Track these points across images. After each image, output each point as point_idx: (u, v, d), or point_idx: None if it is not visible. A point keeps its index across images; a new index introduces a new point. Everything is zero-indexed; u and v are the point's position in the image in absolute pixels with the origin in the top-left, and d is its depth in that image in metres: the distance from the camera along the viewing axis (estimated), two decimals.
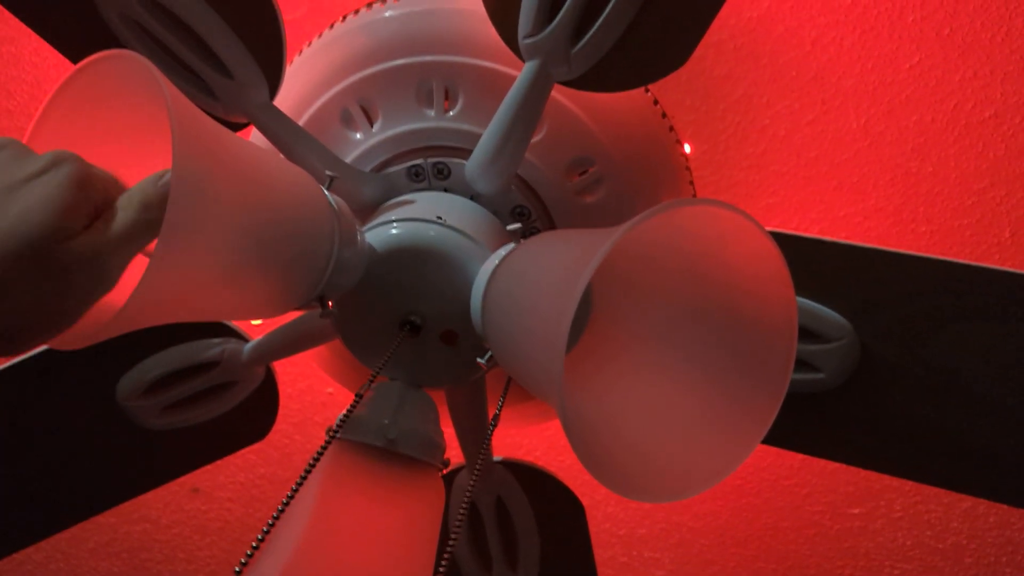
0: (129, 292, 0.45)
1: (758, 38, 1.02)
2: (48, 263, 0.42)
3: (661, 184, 0.80)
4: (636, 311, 0.56)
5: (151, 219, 0.46)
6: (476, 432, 0.83)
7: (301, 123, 0.79)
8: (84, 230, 0.44)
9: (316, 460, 0.53)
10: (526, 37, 0.67)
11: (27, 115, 1.26)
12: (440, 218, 0.70)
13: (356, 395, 0.61)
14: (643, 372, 0.55)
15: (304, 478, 0.52)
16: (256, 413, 0.89)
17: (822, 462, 1.31)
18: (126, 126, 0.55)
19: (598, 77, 0.68)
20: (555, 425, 1.33)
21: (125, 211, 0.46)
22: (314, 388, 1.41)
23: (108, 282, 0.46)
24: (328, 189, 0.65)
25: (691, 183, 0.85)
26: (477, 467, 0.60)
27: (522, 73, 0.69)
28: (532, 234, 0.79)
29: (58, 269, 0.42)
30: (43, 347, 0.84)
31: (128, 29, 0.70)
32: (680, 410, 0.53)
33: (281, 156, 0.69)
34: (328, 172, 0.68)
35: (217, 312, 0.58)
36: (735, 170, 1.06)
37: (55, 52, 0.72)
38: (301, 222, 0.60)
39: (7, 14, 0.72)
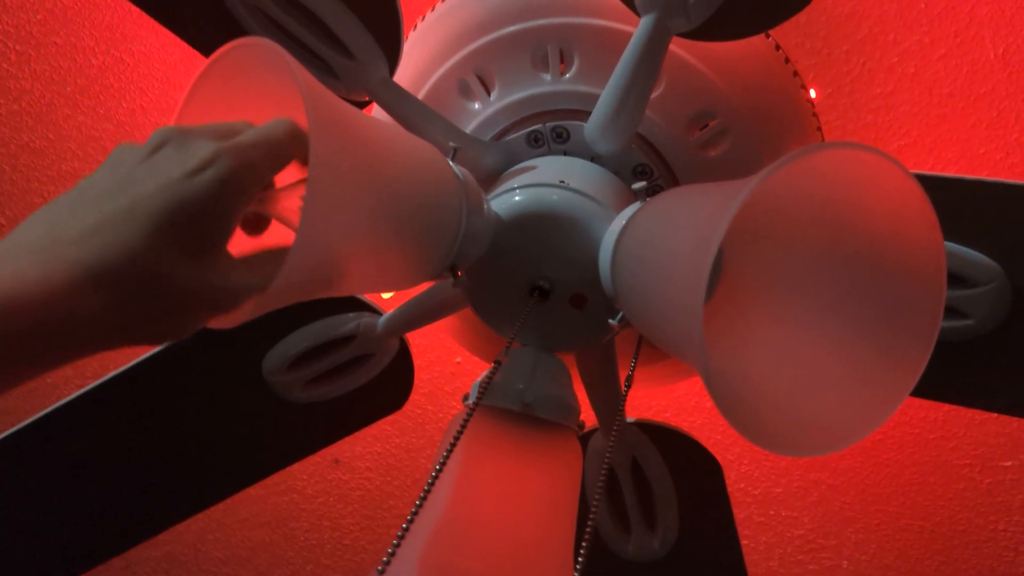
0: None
1: None
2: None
3: (787, 132, 0.77)
4: (770, 262, 0.54)
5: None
6: (608, 394, 0.83)
7: (420, 97, 0.80)
8: None
9: (462, 430, 0.55)
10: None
11: (160, 111, 1.32)
12: (563, 182, 0.70)
13: (495, 361, 0.62)
14: (782, 325, 0.54)
15: (452, 447, 0.53)
16: (392, 384, 0.92)
17: (968, 414, 1.25)
18: (261, 111, 0.57)
19: (717, 26, 0.66)
20: (683, 386, 1.32)
21: None
22: (442, 359, 1.44)
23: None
24: (452, 160, 0.66)
25: (819, 129, 0.82)
26: (614, 429, 0.60)
27: (639, 28, 0.68)
28: (656, 192, 0.78)
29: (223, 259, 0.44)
30: None
31: (251, 16, 0.73)
32: (823, 362, 0.52)
33: (405, 131, 0.70)
34: (452, 144, 0.69)
35: (356, 287, 0.60)
36: (863, 112, 1.02)
37: (183, 48, 0.75)
38: (431, 194, 0.61)
39: (135, 14, 0.75)
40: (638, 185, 0.64)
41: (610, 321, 0.64)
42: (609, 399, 0.83)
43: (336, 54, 0.73)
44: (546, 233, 0.69)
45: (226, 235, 0.45)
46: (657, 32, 0.67)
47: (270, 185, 0.53)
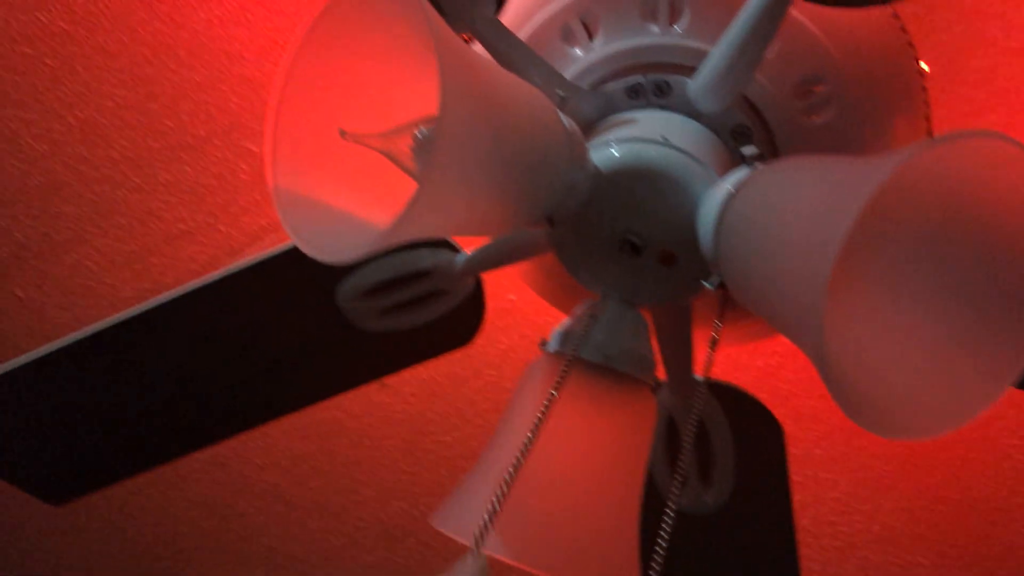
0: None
1: None
2: None
3: (896, 106, 0.76)
4: (888, 244, 0.54)
5: None
6: (680, 350, 0.84)
7: (521, 38, 0.79)
8: None
9: (561, 381, 0.56)
10: None
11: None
12: (664, 138, 0.70)
13: (589, 316, 0.63)
14: (895, 305, 0.53)
15: (548, 404, 0.54)
16: (463, 321, 0.93)
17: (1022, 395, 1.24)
18: (382, 50, 0.56)
19: None
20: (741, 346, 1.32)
21: None
22: (496, 294, 1.45)
23: None
24: (559, 109, 0.65)
25: (926, 103, 0.80)
26: (700, 399, 0.61)
27: None
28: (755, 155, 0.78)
29: None
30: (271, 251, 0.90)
31: None
32: (935, 346, 0.52)
33: (518, 77, 0.70)
34: (558, 91, 0.68)
35: (461, 230, 0.61)
36: (962, 87, 0.99)
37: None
38: (540, 144, 0.60)
39: None
40: (748, 150, 0.64)
41: (704, 283, 0.64)
42: (681, 355, 0.84)
43: None
44: (643, 188, 0.69)
45: None
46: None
47: None
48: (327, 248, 0.55)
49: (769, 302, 0.55)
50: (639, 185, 0.69)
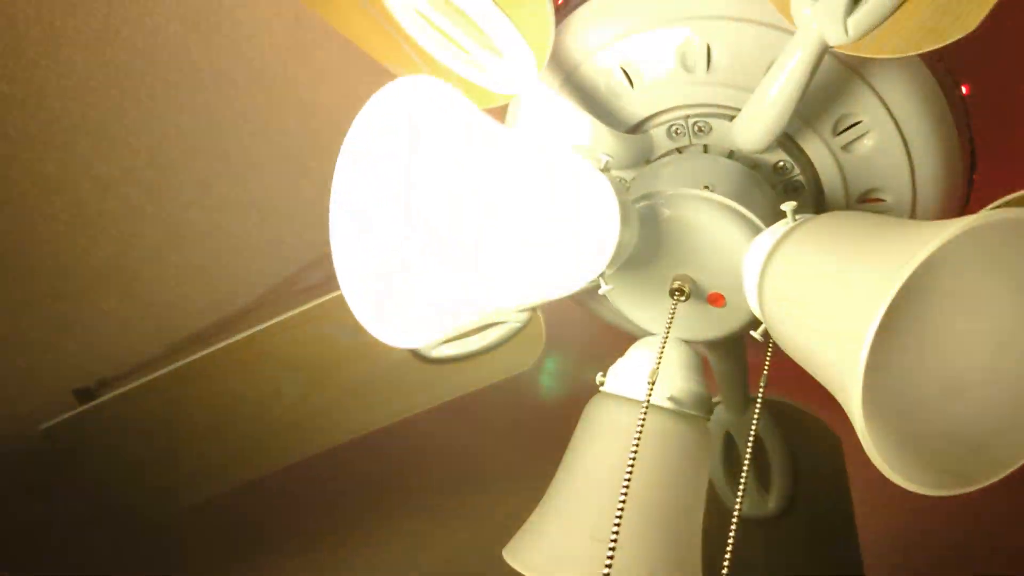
0: None
1: None
2: None
3: (934, 133, 0.77)
4: (931, 288, 0.56)
5: None
6: (734, 372, 0.87)
7: (563, 83, 0.81)
8: None
9: (640, 432, 0.60)
10: (802, 3, 0.66)
11: (316, 104, 1.36)
12: (707, 187, 0.72)
13: (653, 362, 0.66)
14: (939, 351, 0.56)
15: (634, 459, 0.59)
16: (521, 349, 0.97)
17: None
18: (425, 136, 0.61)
19: (876, 43, 0.66)
20: None
21: None
22: None
23: None
24: (604, 171, 0.68)
25: (968, 126, 0.80)
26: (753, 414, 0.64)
27: (795, 38, 0.68)
28: (793, 187, 0.80)
29: None
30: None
31: (407, 15, 0.75)
32: (980, 388, 0.54)
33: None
34: (603, 155, 0.71)
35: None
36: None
37: (332, 39, 0.78)
38: (590, 212, 0.64)
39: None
40: (788, 205, 0.66)
41: (753, 334, 0.68)
42: (735, 377, 0.87)
43: (485, 52, 0.75)
44: (690, 240, 0.72)
45: None
46: (815, 45, 0.67)
47: None
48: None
49: (808, 359, 0.58)
50: (686, 238, 0.72)
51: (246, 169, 1.56)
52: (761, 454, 0.93)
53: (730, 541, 0.62)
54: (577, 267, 0.64)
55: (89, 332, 1.91)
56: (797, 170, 0.78)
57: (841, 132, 0.77)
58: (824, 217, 0.63)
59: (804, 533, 0.97)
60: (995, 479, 0.56)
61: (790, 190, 0.79)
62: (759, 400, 0.67)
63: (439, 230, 0.64)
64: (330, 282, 1.56)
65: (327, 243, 1.67)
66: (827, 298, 0.57)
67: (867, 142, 0.77)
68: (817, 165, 0.78)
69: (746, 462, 0.63)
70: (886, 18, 0.64)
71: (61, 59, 1.30)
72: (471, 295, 0.64)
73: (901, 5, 0.63)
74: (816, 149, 0.78)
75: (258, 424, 1.16)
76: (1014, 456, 0.56)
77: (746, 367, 0.87)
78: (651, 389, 0.67)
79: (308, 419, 1.12)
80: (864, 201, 0.80)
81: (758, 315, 0.68)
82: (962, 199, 0.81)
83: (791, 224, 0.65)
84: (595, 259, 0.65)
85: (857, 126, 0.76)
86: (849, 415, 0.53)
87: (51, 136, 1.43)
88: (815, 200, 0.80)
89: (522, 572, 0.75)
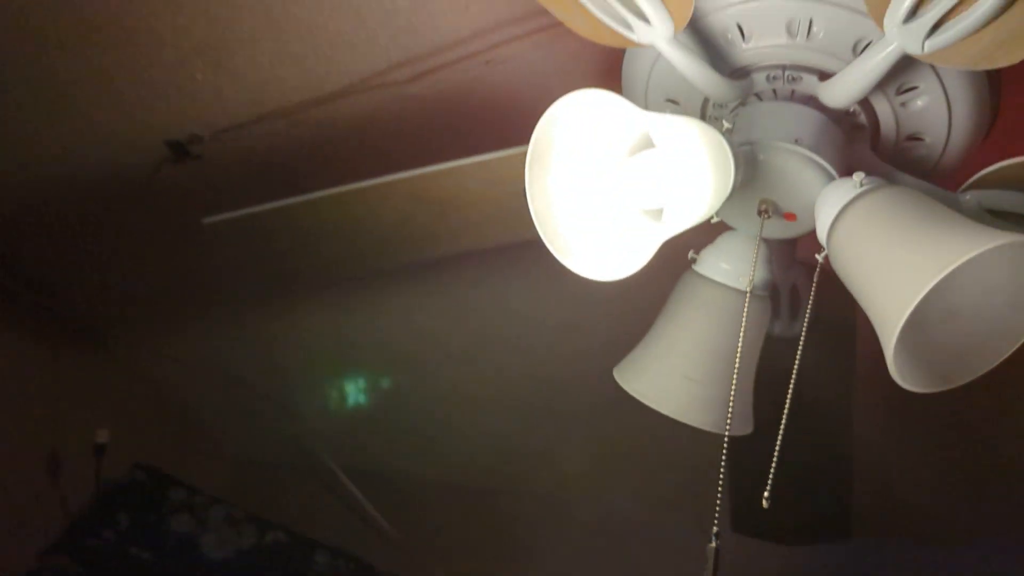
0: None
1: None
2: None
3: (973, 100, 1.00)
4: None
5: None
6: (787, 252, 1.17)
7: (690, 36, 1.02)
8: None
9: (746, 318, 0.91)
10: (892, 21, 0.87)
11: None
12: (797, 140, 0.97)
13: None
14: (944, 292, 0.85)
15: (743, 335, 0.90)
16: None
17: None
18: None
19: (943, 57, 0.88)
20: None
21: None
22: None
23: None
24: (724, 136, 0.93)
25: (998, 92, 1.03)
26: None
27: (885, 42, 0.90)
28: (856, 127, 1.04)
29: None
30: None
31: None
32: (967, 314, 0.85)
33: None
34: (726, 124, 0.95)
35: None
36: None
37: None
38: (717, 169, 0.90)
39: None
40: (858, 175, 0.91)
41: (817, 256, 0.96)
42: (786, 254, 1.17)
43: (634, 16, 0.95)
44: (778, 178, 0.98)
45: None
46: (896, 51, 0.89)
47: None
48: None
49: (861, 296, 0.88)
50: (774, 175, 0.98)
51: None
52: (796, 299, 1.25)
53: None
54: (707, 205, 0.91)
55: (183, 97, 2.14)
56: (863, 116, 1.03)
57: (901, 93, 1.00)
58: (886, 192, 0.89)
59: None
60: (968, 380, 0.88)
61: (854, 128, 1.04)
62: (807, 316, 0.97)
63: (618, 188, 0.92)
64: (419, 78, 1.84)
65: (417, 44, 1.87)
66: (884, 263, 0.86)
67: (919, 102, 1.01)
68: (878, 113, 1.03)
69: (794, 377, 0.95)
70: (957, 40, 0.86)
71: None
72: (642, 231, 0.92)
73: (966, 38, 0.85)
74: (880, 103, 1.02)
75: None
76: (984, 365, 0.88)
77: (795, 248, 1.17)
78: (749, 291, 0.97)
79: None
80: (909, 139, 1.05)
81: (823, 244, 0.96)
82: (980, 144, 1.06)
83: (859, 189, 0.91)
84: (718, 199, 0.92)
85: (915, 90, 1.00)
86: (881, 339, 0.84)
87: None
88: (871, 137, 1.05)
89: (632, 394, 1.09)
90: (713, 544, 0.90)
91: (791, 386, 0.96)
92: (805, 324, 1.02)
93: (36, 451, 3.25)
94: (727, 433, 1.00)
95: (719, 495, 0.96)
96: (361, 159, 2.17)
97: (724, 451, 0.96)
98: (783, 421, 0.95)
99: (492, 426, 3.04)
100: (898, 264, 0.84)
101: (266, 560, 3.05)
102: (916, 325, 0.85)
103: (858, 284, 0.89)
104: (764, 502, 0.89)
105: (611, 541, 2.95)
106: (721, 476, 0.97)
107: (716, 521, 0.93)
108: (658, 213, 0.93)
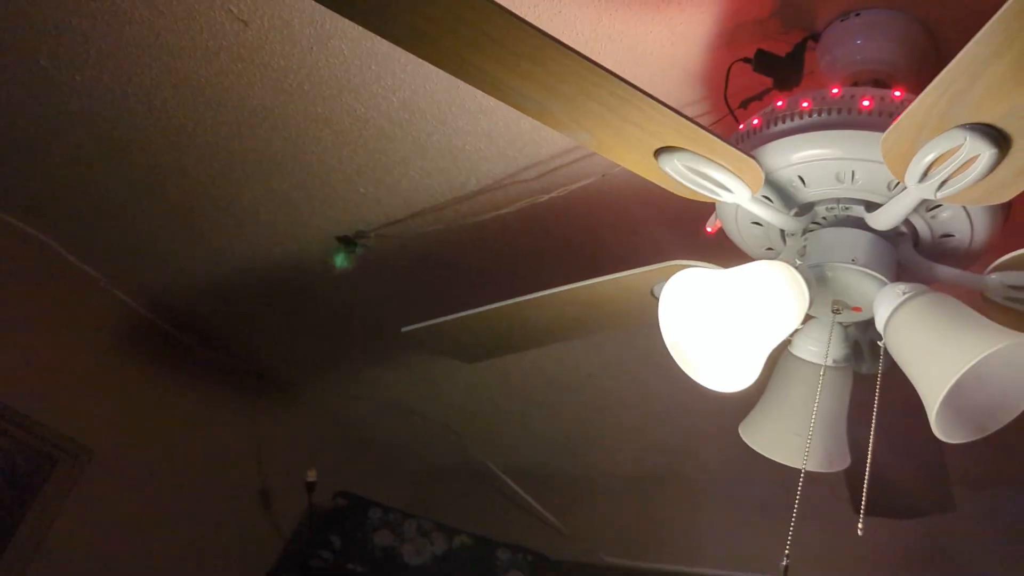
0: None
1: None
2: None
3: (988, 209, 1.33)
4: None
5: None
6: (861, 333, 1.52)
7: (766, 187, 1.38)
8: None
9: (823, 378, 1.28)
10: (911, 181, 1.21)
11: None
12: (854, 260, 1.33)
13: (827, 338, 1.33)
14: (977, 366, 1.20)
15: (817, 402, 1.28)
16: None
17: None
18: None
19: (953, 199, 1.22)
20: None
21: None
22: None
23: None
24: (798, 269, 1.29)
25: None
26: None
27: (907, 193, 1.24)
28: (900, 235, 1.38)
29: None
30: None
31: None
32: (994, 381, 1.19)
33: None
34: (798, 261, 1.32)
35: None
36: None
37: None
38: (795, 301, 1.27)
39: None
40: (900, 286, 1.26)
41: (879, 343, 1.32)
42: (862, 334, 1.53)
43: (720, 188, 1.32)
44: (844, 289, 1.34)
45: None
46: (916, 197, 1.24)
47: None
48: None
49: (909, 374, 1.23)
50: (840, 285, 1.34)
51: (478, 112, 2.13)
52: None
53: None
54: (791, 322, 1.29)
55: (348, 205, 2.63)
56: (903, 227, 1.37)
57: (929, 211, 1.34)
58: (923, 299, 1.24)
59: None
60: (996, 429, 1.22)
61: (899, 236, 1.38)
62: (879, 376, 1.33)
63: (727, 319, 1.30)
64: (539, 179, 2.29)
65: (536, 155, 2.30)
66: (923, 356, 1.21)
67: (944, 215, 1.34)
68: (915, 225, 1.37)
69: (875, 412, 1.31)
70: (963, 190, 1.20)
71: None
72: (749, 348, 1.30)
73: (966, 189, 1.19)
74: (915, 218, 1.36)
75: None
76: (1008, 416, 1.22)
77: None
78: (825, 364, 1.34)
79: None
80: (943, 237, 1.38)
81: (881, 333, 1.31)
82: (1000, 230, 1.38)
83: (901, 297, 1.26)
84: (798, 318, 1.29)
85: (939, 207, 1.34)
86: (926, 408, 1.20)
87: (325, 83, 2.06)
88: (912, 239, 1.39)
89: (752, 446, 1.47)
90: (784, 563, 1.28)
91: (874, 412, 1.32)
92: (880, 370, 1.37)
93: (249, 489, 3.87)
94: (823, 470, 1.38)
95: (792, 522, 1.32)
96: (495, 243, 2.62)
97: (800, 487, 1.33)
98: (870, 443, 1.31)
99: (638, 427, 3.46)
100: (933, 357, 1.19)
101: (457, 561, 3.54)
102: (954, 393, 1.20)
103: (906, 367, 1.25)
104: (859, 531, 1.26)
105: (759, 515, 3.27)
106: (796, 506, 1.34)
107: (789, 541, 1.30)
108: (758, 332, 1.30)
